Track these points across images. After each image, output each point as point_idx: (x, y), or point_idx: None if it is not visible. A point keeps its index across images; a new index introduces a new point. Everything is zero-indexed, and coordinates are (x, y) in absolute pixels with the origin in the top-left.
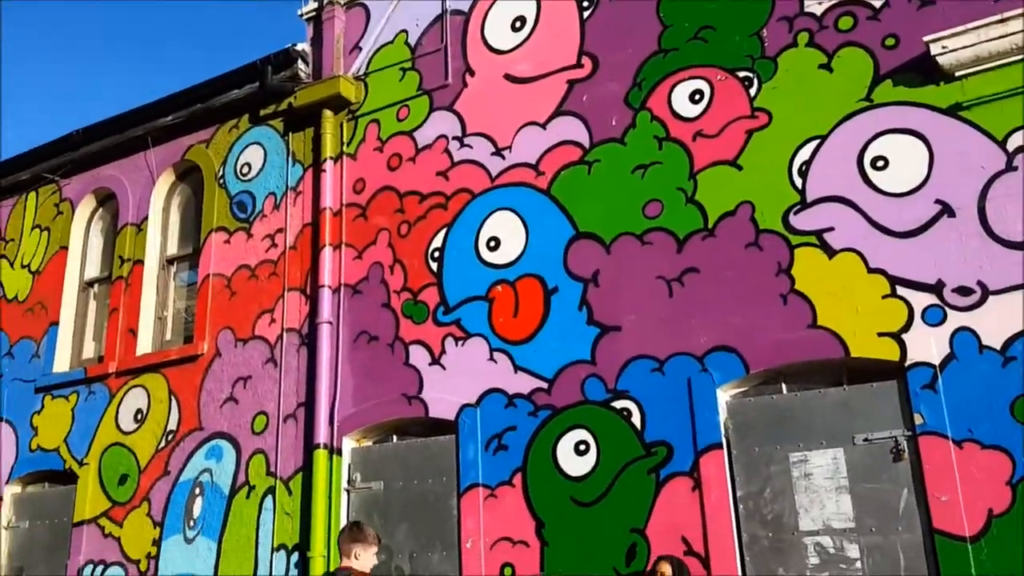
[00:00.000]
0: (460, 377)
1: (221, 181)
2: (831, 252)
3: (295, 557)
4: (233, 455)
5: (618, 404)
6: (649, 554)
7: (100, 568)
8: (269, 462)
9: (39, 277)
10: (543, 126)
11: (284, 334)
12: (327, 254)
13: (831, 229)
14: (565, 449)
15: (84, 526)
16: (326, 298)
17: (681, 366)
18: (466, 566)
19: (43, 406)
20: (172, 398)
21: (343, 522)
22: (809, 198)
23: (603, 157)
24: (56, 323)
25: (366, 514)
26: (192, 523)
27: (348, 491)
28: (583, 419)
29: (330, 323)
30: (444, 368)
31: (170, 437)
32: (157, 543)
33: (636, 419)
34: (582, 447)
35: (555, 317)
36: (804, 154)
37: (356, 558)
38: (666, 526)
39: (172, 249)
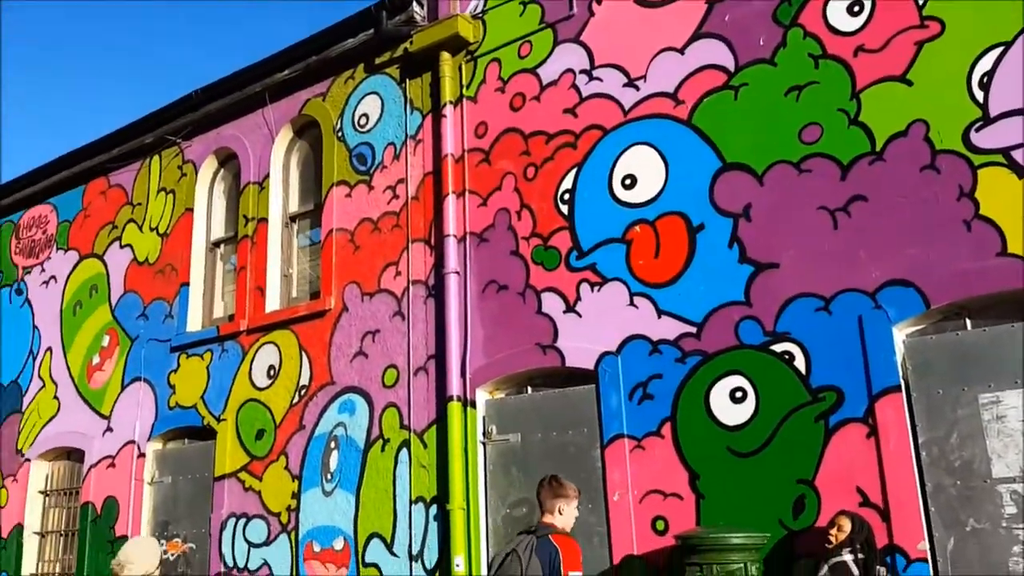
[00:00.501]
0: (598, 324)
1: (339, 134)
2: (1021, 171)
3: (434, 509)
4: (366, 409)
5: (778, 347)
6: (820, 506)
7: (242, 521)
8: (402, 415)
9: (167, 239)
10: (681, 51)
11: (410, 286)
12: (451, 202)
13: (1020, 146)
14: (719, 397)
15: (225, 480)
16: (451, 248)
17: (850, 303)
18: (614, 519)
19: (179, 365)
20: (302, 354)
21: (480, 474)
22: (992, 113)
23: (751, 80)
24: (187, 283)
25: (503, 466)
26: (329, 476)
27: (484, 443)
28: (738, 364)
29: (457, 273)
30: (580, 315)
31: (303, 392)
32: (296, 496)
33: (800, 363)
34: (738, 394)
35: (702, 256)
36: (985, 64)
37: (560, 513)
38: (838, 476)
39: (294, 206)
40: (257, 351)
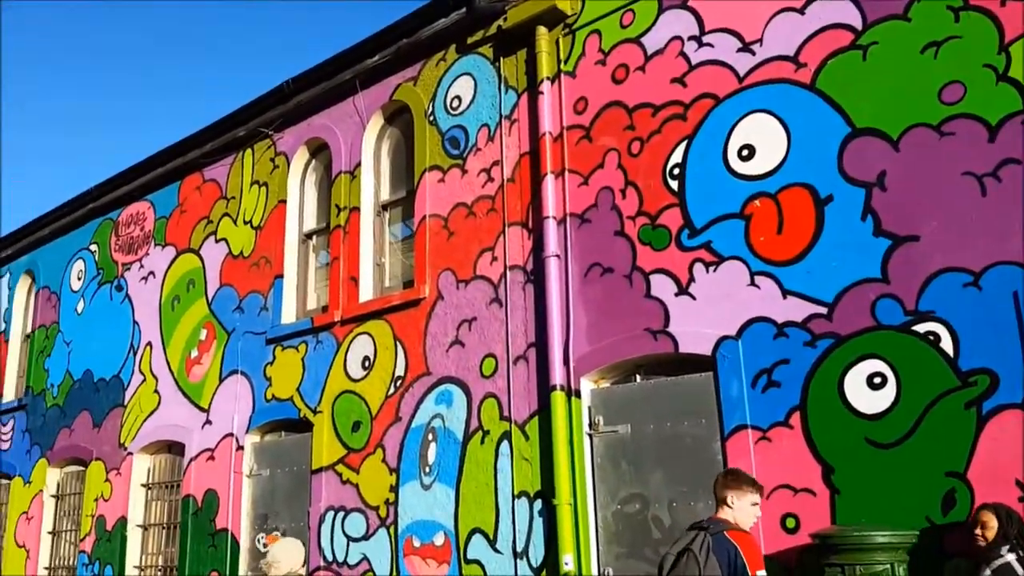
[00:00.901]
0: (715, 306)
1: (431, 118)
2: None
3: (538, 504)
4: (464, 399)
5: (921, 328)
6: (972, 500)
7: (340, 514)
8: (502, 406)
9: (261, 232)
10: (800, 11)
11: (507, 272)
12: (549, 183)
13: None
14: (855, 383)
15: (322, 473)
16: (551, 230)
17: (1004, 278)
18: None
19: (274, 357)
20: (397, 344)
21: (587, 468)
22: None
23: (881, 38)
24: (280, 276)
25: (612, 459)
26: (427, 469)
27: (590, 435)
28: (876, 347)
29: (557, 257)
30: (694, 298)
31: (399, 383)
32: (395, 489)
33: (946, 344)
34: (876, 380)
35: (831, 230)
36: None
37: (730, 506)
38: (993, 468)
39: (385, 195)
40: (351, 342)
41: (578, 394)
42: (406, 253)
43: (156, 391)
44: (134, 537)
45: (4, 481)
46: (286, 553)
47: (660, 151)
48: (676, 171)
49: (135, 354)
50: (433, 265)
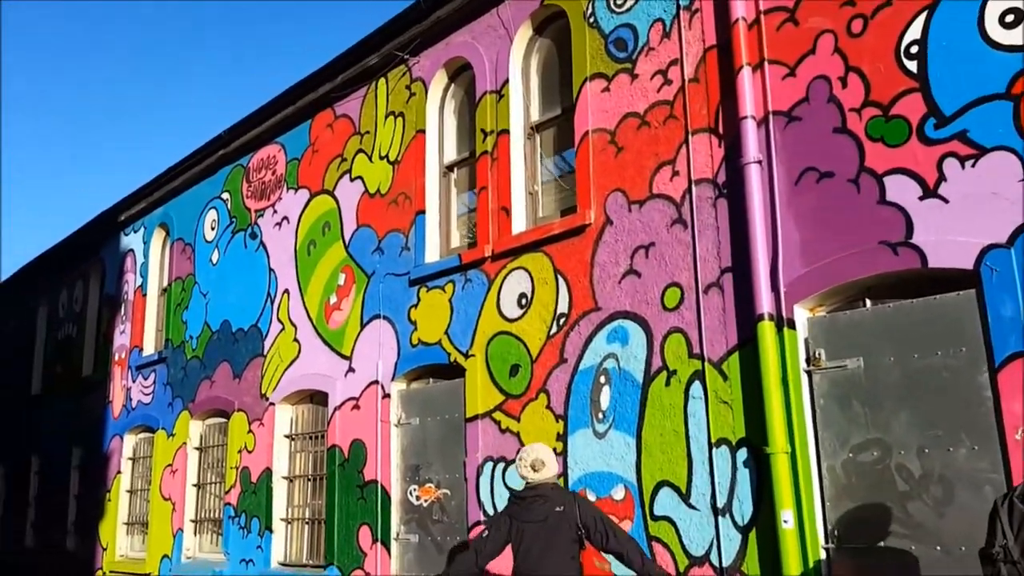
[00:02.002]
0: (976, 209)
1: (591, 20)
2: None
3: (742, 453)
4: (642, 337)
5: None
6: None
7: (501, 466)
8: (691, 342)
9: (398, 167)
10: None
11: (693, 187)
12: (745, 77)
13: None
14: None
15: (478, 421)
16: (750, 133)
17: None
18: (1015, 464)
19: (419, 299)
20: (559, 278)
21: (806, 410)
22: None
23: None
24: (422, 212)
25: (840, 400)
26: (601, 416)
27: (809, 372)
28: None
29: (759, 163)
30: (946, 201)
31: (562, 321)
32: (562, 438)
33: None
34: None
35: None
36: None
37: None
38: None
39: (536, 115)
40: (505, 278)
41: (791, 324)
42: (564, 177)
43: (296, 339)
44: (280, 489)
45: (148, 434)
46: (549, 455)
47: (891, 27)
48: (914, 49)
49: (272, 302)
50: (599, 187)
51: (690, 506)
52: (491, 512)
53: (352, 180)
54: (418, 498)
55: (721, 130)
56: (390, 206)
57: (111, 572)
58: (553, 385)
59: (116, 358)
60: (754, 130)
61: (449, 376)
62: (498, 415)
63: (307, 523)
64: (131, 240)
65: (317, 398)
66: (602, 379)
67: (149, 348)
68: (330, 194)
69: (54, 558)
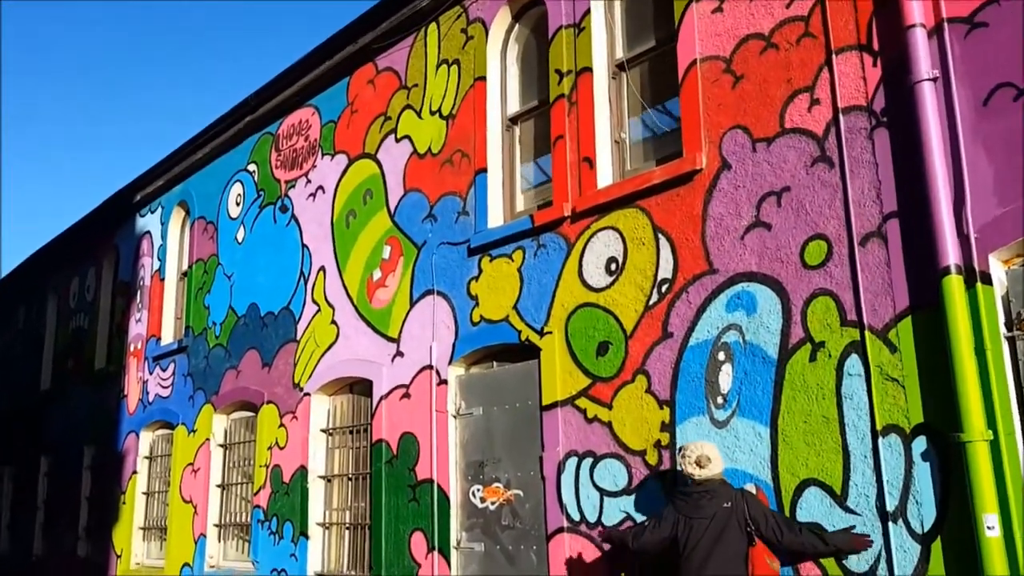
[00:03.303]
0: None
1: None
2: None
3: (920, 443)
4: (775, 302)
5: None
6: None
7: (588, 461)
8: (844, 306)
9: (454, 121)
10: None
11: (840, 117)
12: None
13: None
14: None
15: (557, 409)
16: (919, 45)
17: None
18: None
19: (480, 270)
20: (659, 236)
21: (1009, 386)
22: None
23: None
24: (484, 170)
25: None
26: (721, 400)
27: (1012, 338)
28: None
29: (931, 81)
30: None
31: (664, 289)
32: (669, 427)
33: None
34: None
35: None
36: None
37: None
38: None
39: (621, 51)
40: (588, 241)
41: (985, 279)
42: (661, 117)
43: (333, 322)
44: (316, 489)
45: (166, 431)
46: (715, 451)
47: None
48: None
49: (306, 282)
50: (712, 125)
51: (847, 510)
52: (576, 517)
53: (398, 141)
54: (483, 500)
55: (876, 45)
56: (444, 167)
57: None
58: (655, 365)
59: (131, 349)
60: (923, 42)
61: (519, 358)
62: (583, 402)
63: (348, 528)
64: (147, 221)
65: (359, 387)
66: (721, 356)
67: (168, 337)
68: (372, 158)
69: (64, 565)
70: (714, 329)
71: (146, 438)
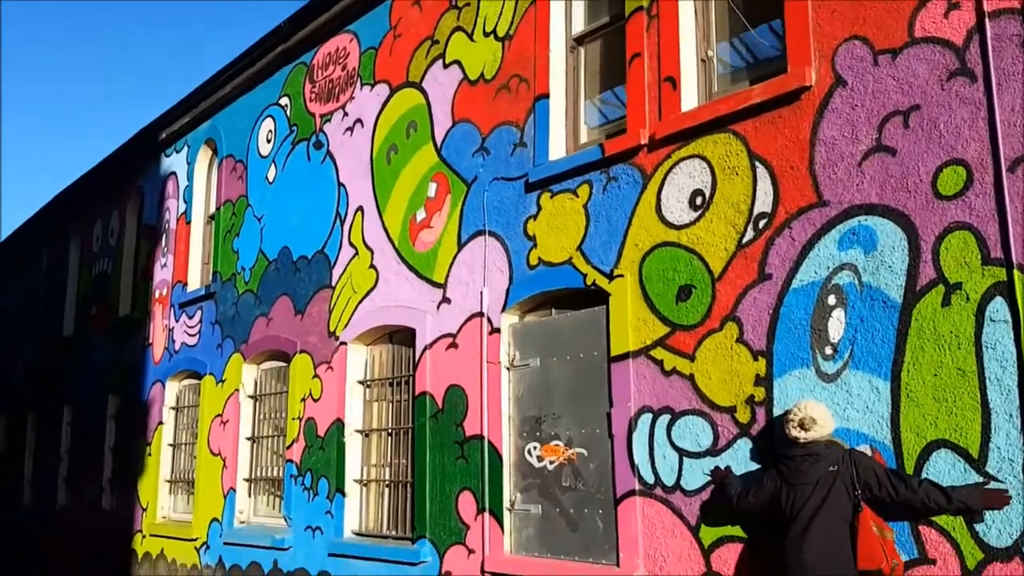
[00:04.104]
0: None
1: None
2: None
3: None
4: (900, 238)
5: None
6: None
7: (664, 418)
8: (987, 241)
9: (510, 43)
10: None
11: (986, 22)
12: None
13: None
14: None
15: (629, 361)
16: None
17: None
18: None
19: (539, 208)
20: (756, 165)
21: None
22: None
23: None
24: (545, 96)
25: None
26: (830, 351)
27: None
28: None
29: None
30: None
31: (762, 224)
32: (764, 381)
33: None
34: None
35: None
36: None
37: None
38: None
39: None
40: (669, 172)
41: None
42: (759, 32)
43: (372, 266)
44: (353, 445)
45: (193, 380)
46: (822, 411)
47: None
48: None
49: (343, 223)
50: (823, 36)
51: (986, 475)
52: (649, 479)
53: (446, 66)
54: (540, 459)
55: None
56: (499, 94)
57: (151, 535)
58: (748, 311)
59: (156, 295)
60: None
61: (583, 304)
62: (659, 352)
63: (388, 486)
64: (173, 161)
65: (399, 336)
66: (831, 300)
67: (194, 283)
68: (417, 87)
69: (88, 517)
70: (823, 270)
71: (172, 388)
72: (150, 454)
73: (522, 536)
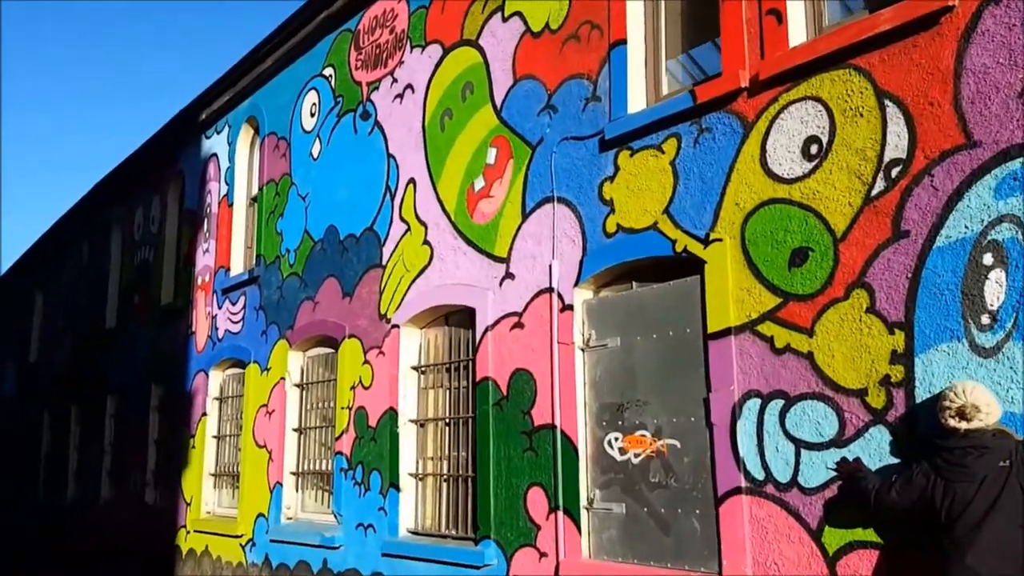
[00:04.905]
0: None
1: None
2: None
3: None
4: None
5: None
6: None
7: (777, 404)
8: None
9: None
10: None
11: None
12: None
13: None
14: None
15: (731, 338)
16: None
17: None
18: None
19: (617, 168)
20: (886, 103)
21: None
22: None
23: None
24: (622, 42)
25: None
26: (987, 319)
27: None
28: None
29: None
30: None
31: (895, 173)
32: (903, 358)
33: None
34: None
35: None
36: None
37: None
38: None
39: None
40: (775, 118)
41: None
42: None
43: (426, 242)
44: (407, 435)
45: (237, 369)
46: (987, 396)
47: None
48: None
49: (393, 197)
50: None
51: None
52: (759, 475)
53: (506, 19)
54: (623, 451)
55: None
56: (567, 44)
57: (196, 531)
58: (880, 275)
59: (199, 282)
60: None
61: (671, 274)
62: (769, 327)
63: (446, 480)
64: (214, 143)
65: (456, 317)
66: (987, 259)
67: (237, 267)
68: (472, 44)
69: (131, 511)
70: (976, 223)
71: (216, 377)
72: (194, 446)
73: (603, 538)
